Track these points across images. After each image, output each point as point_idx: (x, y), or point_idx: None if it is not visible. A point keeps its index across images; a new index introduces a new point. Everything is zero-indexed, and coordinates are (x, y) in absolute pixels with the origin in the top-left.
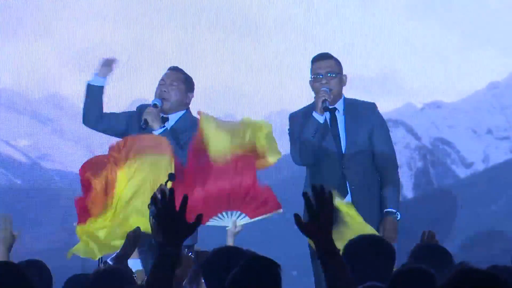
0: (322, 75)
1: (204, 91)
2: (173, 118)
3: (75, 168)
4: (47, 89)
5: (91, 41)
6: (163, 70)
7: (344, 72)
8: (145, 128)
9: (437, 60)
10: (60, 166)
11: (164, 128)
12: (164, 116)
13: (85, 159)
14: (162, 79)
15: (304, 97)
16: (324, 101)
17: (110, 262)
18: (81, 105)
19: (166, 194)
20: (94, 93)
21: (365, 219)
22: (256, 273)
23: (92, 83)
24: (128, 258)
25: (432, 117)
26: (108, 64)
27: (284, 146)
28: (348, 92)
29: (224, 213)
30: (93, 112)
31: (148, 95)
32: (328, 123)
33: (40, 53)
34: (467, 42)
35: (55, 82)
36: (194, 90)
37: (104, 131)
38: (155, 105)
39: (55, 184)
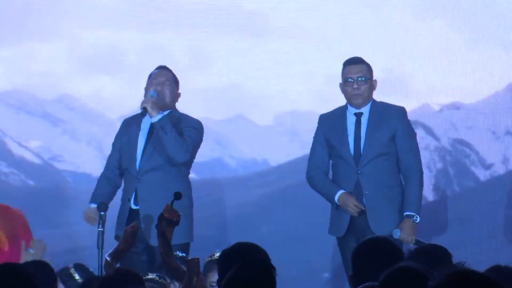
0: (353, 80)
1: (213, 91)
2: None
3: (88, 169)
4: (58, 90)
5: (102, 42)
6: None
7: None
8: (145, 115)
9: (455, 61)
10: (72, 167)
11: (163, 114)
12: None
13: (97, 160)
14: (153, 78)
15: (313, 97)
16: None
17: (108, 258)
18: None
19: None
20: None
21: (381, 224)
22: (250, 277)
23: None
24: (126, 253)
25: (451, 118)
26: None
27: (295, 148)
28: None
29: None
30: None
31: None
32: (353, 127)
33: (50, 54)
34: (486, 43)
35: (66, 83)
36: (203, 91)
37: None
38: (151, 96)
39: (67, 185)
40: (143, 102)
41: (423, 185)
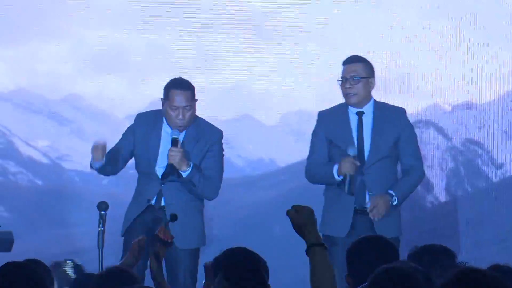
0: (346, 79)
1: (219, 91)
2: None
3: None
4: (64, 89)
5: (107, 42)
6: (177, 71)
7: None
8: (173, 174)
9: (466, 61)
10: (79, 166)
11: (192, 166)
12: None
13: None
14: (174, 105)
15: (319, 97)
16: (347, 176)
17: None
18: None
19: None
20: (100, 170)
21: (386, 226)
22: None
23: (94, 167)
24: (132, 267)
25: (462, 118)
26: (97, 150)
27: (301, 147)
28: (374, 94)
29: None
30: (110, 171)
31: None
32: (356, 127)
33: (56, 54)
34: (497, 43)
35: (72, 83)
36: (209, 91)
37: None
38: (175, 140)
39: (75, 185)
40: (168, 158)
41: (419, 184)
